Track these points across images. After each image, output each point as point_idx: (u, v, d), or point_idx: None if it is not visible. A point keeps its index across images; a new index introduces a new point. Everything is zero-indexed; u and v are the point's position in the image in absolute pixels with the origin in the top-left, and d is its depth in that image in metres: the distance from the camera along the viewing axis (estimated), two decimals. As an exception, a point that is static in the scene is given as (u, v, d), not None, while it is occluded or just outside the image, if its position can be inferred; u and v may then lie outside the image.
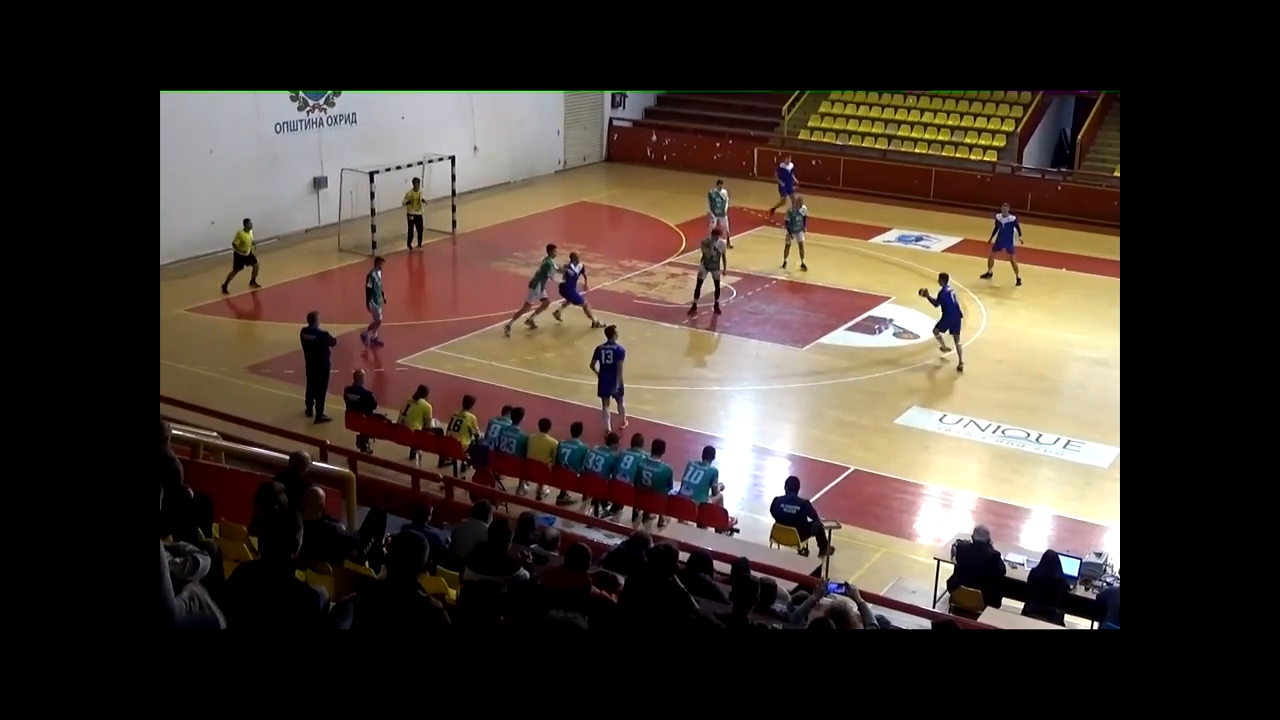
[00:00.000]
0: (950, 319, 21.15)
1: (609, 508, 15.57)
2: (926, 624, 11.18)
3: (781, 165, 32.24)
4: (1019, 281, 25.92)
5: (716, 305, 24.05)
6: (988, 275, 26.28)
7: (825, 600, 8.54)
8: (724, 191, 27.97)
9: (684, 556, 10.28)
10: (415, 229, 27.83)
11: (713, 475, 15.02)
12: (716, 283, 23.94)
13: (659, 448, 15.27)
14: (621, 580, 9.09)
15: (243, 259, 24.84)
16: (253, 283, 25.06)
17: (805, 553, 14.06)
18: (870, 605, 9.71)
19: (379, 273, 21.36)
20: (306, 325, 18.58)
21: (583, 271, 23.28)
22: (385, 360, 21.01)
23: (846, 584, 9.93)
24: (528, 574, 9.51)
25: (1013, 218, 26.07)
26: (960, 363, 21.08)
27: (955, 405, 19.59)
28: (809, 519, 14.25)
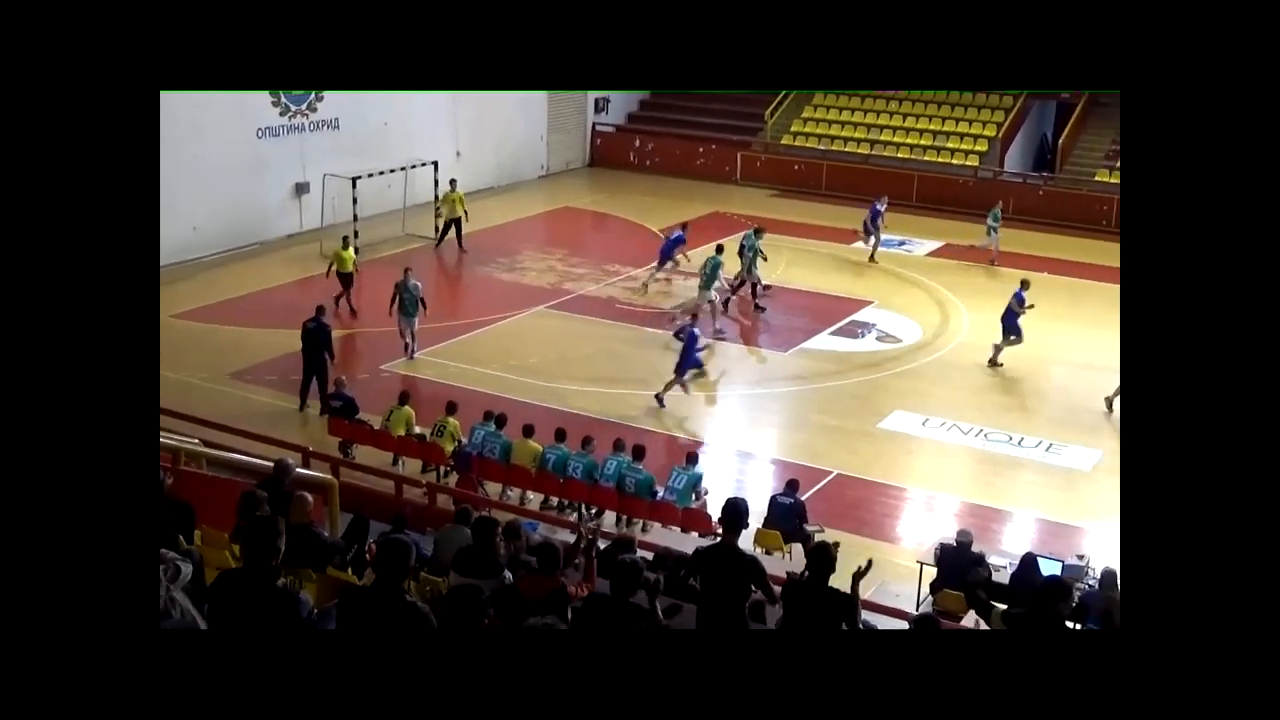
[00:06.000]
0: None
1: (593, 512, 15.56)
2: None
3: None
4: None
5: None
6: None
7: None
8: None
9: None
10: (455, 230, 28.23)
11: (696, 479, 15.04)
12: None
13: (640, 453, 15.29)
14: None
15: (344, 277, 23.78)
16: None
17: (788, 557, 14.09)
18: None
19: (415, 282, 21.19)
20: (311, 316, 18.86)
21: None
22: (368, 366, 20.97)
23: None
24: (511, 576, 9.47)
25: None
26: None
27: (938, 409, 19.63)
28: (800, 520, 14.31)
